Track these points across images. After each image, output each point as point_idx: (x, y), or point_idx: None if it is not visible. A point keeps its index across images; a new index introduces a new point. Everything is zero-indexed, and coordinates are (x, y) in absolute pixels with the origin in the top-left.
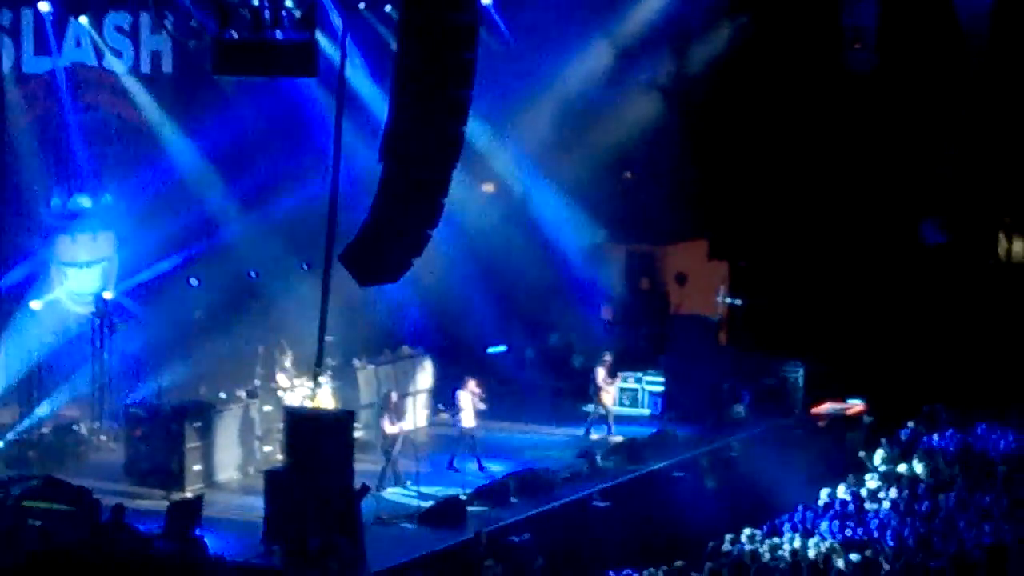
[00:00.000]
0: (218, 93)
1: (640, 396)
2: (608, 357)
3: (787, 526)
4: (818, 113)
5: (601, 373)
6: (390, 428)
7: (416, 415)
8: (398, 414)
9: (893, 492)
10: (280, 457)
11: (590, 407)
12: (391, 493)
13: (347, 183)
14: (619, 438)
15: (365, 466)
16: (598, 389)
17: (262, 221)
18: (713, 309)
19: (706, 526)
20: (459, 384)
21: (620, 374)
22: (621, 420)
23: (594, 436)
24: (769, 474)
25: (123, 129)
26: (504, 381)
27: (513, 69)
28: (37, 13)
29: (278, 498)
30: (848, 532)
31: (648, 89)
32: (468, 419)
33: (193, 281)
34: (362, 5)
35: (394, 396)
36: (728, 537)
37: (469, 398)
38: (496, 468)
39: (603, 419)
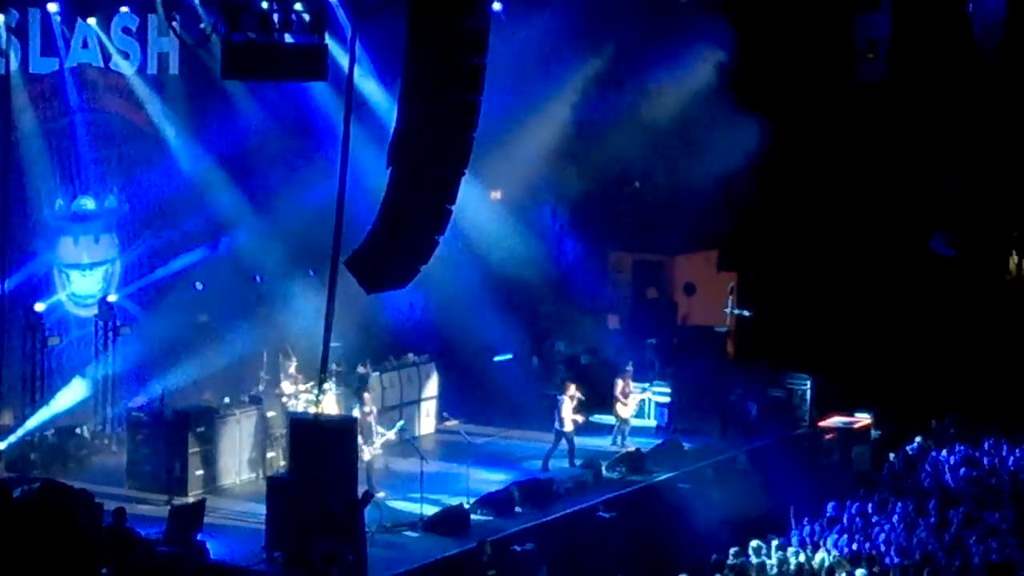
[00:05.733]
0: (225, 96)
1: (647, 407)
2: (630, 368)
3: (793, 539)
4: (829, 124)
5: (620, 384)
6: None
7: (421, 422)
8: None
9: (900, 507)
10: (283, 463)
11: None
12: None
13: (354, 188)
14: (632, 448)
15: (368, 473)
16: (615, 400)
17: (268, 225)
18: (721, 320)
19: (711, 538)
20: (560, 390)
21: (637, 385)
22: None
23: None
24: (776, 487)
25: (129, 131)
26: (509, 389)
27: (522, 76)
28: (45, 13)
29: (280, 504)
30: (855, 546)
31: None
32: (567, 423)
33: (198, 285)
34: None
35: (369, 397)
36: (733, 550)
37: (569, 403)
38: (501, 477)
39: (620, 429)
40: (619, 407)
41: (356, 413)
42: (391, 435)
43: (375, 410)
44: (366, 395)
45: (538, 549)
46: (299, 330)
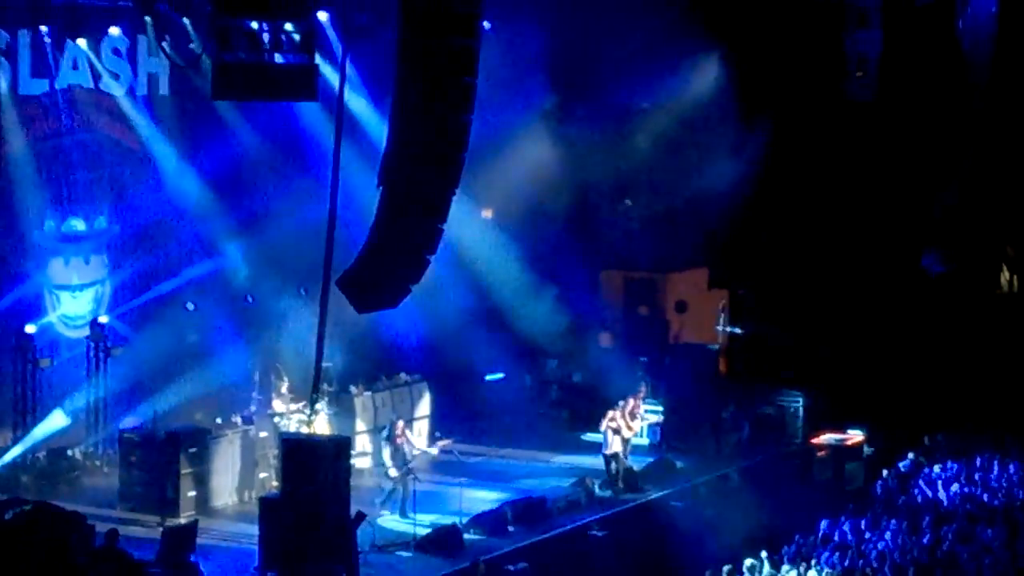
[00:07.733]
0: (215, 117)
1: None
2: (643, 389)
3: (786, 556)
4: (820, 141)
5: (630, 404)
6: (393, 471)
7: (413, 442)
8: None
9: (893, 523)
10: (276, 484)
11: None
12: (388, 519)
13: (346, 208)
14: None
15: (361, 493)
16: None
17: (259, 246)
18: (713, 338)
19: (704, 556)
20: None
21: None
22: None
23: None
24: (768, 504)
25: (119, 152)
26: (501, 408)
27: (511, 93)
28: (35, 34)
29: (273, 525)
30: (848, 563)
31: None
32: (612, 445)
33: (189, 306)
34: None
35: (401, 424)
36: (727, 568)
37: (616, 423)
38: (494, 496)
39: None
40: (624, 427)
41: (385, 445)
42: (433, 450)
43: (408, 437)
44: (400, 423)
45: (531, 568)
46: (291, 350)
